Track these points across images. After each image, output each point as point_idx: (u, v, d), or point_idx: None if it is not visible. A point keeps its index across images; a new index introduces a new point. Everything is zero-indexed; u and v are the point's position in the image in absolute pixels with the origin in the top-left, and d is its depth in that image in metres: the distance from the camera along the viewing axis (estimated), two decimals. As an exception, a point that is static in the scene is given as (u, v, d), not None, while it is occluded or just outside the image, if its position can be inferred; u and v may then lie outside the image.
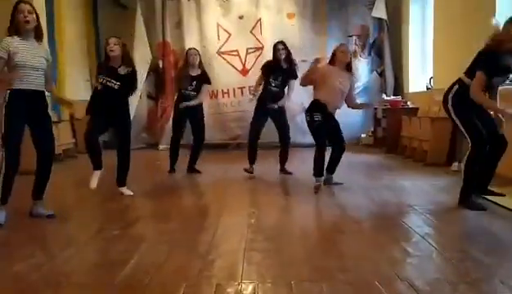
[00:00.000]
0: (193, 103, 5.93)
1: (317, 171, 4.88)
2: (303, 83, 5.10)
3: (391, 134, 7.95)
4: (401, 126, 7.68)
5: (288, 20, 9.31)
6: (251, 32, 9.17)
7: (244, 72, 9.04)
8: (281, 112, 5.81)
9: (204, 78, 6.07)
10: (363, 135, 9.06)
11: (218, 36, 9.44)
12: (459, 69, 6.49)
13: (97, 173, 4.68)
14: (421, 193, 4.91)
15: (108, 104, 4.67)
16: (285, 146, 5.89)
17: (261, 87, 5.88)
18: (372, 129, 8.98)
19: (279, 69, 5.74)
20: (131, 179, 5.02)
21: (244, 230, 3.54)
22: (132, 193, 4.76)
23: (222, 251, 3.12)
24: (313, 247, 3.15)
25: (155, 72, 9.67)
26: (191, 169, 6.11)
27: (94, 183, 4.62)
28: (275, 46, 5.77)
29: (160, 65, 9.61)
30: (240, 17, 9.31)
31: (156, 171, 7.16)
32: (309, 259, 2.91)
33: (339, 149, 5.03)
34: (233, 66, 9.28)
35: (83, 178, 5.03)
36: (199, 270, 2.70)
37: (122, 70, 4.62)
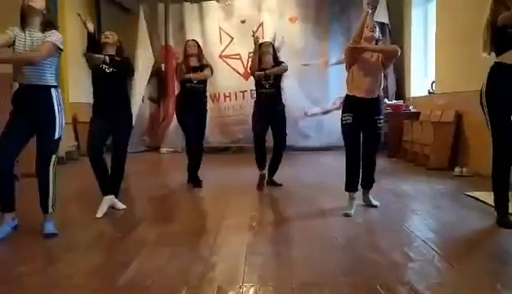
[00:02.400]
0: (199, 76, 5.44)
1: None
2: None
3: (393, 138, 7.95)
4: (403, 130, 7.68)
5: (290, 24, 9.34)
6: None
7: (246, 76, 9.04)
8: (282, 117, 5.41)
9: (205, 67, 5.58)
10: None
11: (221, 40, 9.48)
12: (461, 73, 6.54)
13: (107, 199, 4.23)
14: (423, 198, 4.90)
15: (108, 96, 4.21)
16: (277, 155, 5.43)
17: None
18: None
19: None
20: (132, 182, 5.02)
21: (246, 233, 3.55)
22: (124, 207, 4.34)
23: (223, 254, 3.12)
24: (314, 250, 3.15)
25: (158, 75, 9.72)
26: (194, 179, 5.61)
27: (100, 211, 4.14)
28: (261, 47, 5.36)
29: (163, 69, 9.65)
30: (243, 21, 9.35)
31: (158, 174, 7.19)
32: (310, 262, 2.91)
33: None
34: (235, 70, 9.32)
35: (86, 181, 5.04)
36: (201, 273, 2.71)
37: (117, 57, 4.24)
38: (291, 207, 4.49)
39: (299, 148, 8.96)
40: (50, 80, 3.49)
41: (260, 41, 5.39)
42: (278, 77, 5.34)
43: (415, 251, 3.05)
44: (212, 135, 9.02)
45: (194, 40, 5.82)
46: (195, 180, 5.50)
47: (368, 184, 4.35)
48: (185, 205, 4.79)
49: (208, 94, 5.90)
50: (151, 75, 9.60)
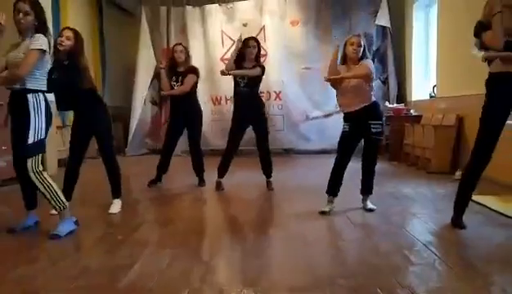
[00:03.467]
0: (174, 92, 5.50)
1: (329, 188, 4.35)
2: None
3: (394, 141, 7.96)
4: (405, 133, 7.70)
5: (291, 27, 9.37)
6: (255, 39, 9.21)
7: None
8: (262, 120, 5.36)
9: (189, 71, 5.53)
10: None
11: (223, 42, 9.51)
12: (462, 77, 6.55)
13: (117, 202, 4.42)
14: (424, 201, 4.91)
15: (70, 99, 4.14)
16: (262, 152, 5.36)
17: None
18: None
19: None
20: (133, 184, 5.04)
21: (246, 236, 3.56)
22: (116, 212, 4.34)
23: (224, 257, 3.14)
24: (315, 253, 3.16)
25: (159, 78, 9.72)
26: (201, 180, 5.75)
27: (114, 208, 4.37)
28: (246, 43, 5.21)
29: (161, 61, 9.65)
30: (244, 24, 9.37)
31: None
32: (311, 265, 2.92)
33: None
34: (236, 73, 9.34)
35: (87, 183, 5.06)
36: (202, 275, 2.72)
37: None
38: (291, 209, 4.50)
39: (300, 151, 8.98)
40: (29, 84, 3.44)
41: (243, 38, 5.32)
42: (253, 78, 5.23)
43: (415, 255, 3.06)
44: (213, 138, 9.04)
45: (179, 44, 5.76)
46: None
47: (366, 191, 4.42)
48: (186, 207, 4.80)
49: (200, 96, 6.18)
50: (153, 78, 9.62)
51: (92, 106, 4.19)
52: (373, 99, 4.29)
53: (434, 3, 7.88)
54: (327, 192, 4.31)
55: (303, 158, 8.15)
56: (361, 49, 4.19)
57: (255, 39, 5.32)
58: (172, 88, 5.53)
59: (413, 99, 8.81)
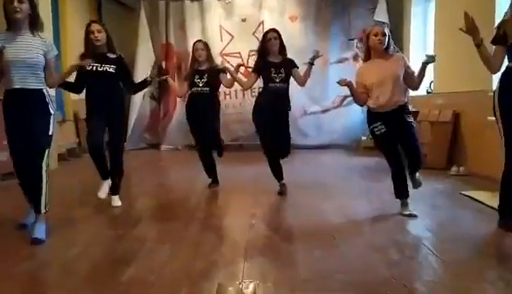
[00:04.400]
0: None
1: (398, 192, 4.12)
2: (360, 103, 4.18)
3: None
4: (402, 129, 7.73)
5: (290, 23, 9.39)
6: (254, 34, 9.24)
7: (247, 74, 9.10)
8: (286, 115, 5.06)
9: (215, 70, 5.20)
10: (363, 138, 9.12)
11: (221, 38, 9.53)
12: (459, 73, 6.60)
13: (106, 183, 4.42)
14: (420, 197, 4.95)
15: (103, 94, 4.25)
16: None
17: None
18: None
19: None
20: (132, 179, 5.07)
21: (246, 231, 3.61)
22: (119, 205, 4.44)
23: (223, 251, 3.19)
24: (313, 248, 3.21)
25: (158, 73, 9.75)
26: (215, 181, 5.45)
27: (102, 193, 4.37)
28: (265, 36, 4.90)
29: (163, 67, 9.70)
30: (243, 20, 9.39)
31: (159, 171, 7.25)
32: (308, 260, 2.97)
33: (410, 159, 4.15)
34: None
35: (87, 178, 5.10)
36: (202, 269, 2.78)
37: (111, 55, 4.28)
38: (290, 205, 4.55)
39: (298, 146, 9.01)
40: (42, 82, 3.51)
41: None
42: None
43: (410, 250, 3.13)
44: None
45: (200, 41, 5.39)
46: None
47: (415, 168, 4.20)
48: (185, 202, 4.85)
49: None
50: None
51: (121, 94, 4.46)
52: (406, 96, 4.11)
53: (432, -1, 7.92)
54: (398, 197, 4.12)
55: (300, 153, 8.18)
56: (386, 38, 3.95)
57: (275, 30, 4.95)
58: (194, 86, 5.12)
59: (410, 94, 8.84)
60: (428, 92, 7.98)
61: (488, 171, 5.60)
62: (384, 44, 3.93)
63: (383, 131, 3.99)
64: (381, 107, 3.97)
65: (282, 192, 4.93)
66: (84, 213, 4.31)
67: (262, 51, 4.88)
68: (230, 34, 9.49)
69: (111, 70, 4.22)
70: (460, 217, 4.00)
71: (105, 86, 4.24)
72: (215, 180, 5.41)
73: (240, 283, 2.57)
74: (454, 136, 6.65)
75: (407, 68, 4.04)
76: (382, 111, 3.98)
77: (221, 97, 9.24)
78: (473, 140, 6.23)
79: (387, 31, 3.98)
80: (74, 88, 4.40)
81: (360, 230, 3.68)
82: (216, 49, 9.41)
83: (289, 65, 4.93)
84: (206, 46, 5.24)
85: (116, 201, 4.47)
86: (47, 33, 6.58)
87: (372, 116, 4.07)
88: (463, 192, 4.83)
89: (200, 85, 5.12)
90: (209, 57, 5.23)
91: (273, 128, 4.84)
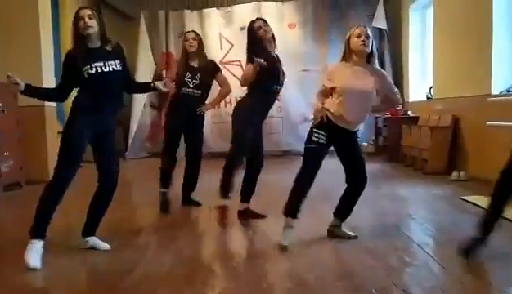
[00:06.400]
0: (207, 106, 4.72)
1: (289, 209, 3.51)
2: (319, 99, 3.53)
3: (392, 143, 8.03)
4: (402, 134, 7.76)
5: (289, 30, 9.44)
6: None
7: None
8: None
9: (211, 67, 4.68)
10: (365, 144, 9.14)
11: (221, 46, 9.58)
12: (458, 78, 6.63)
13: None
14: (420, 202, 4.98)
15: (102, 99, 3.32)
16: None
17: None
18: (373, 137, 9.08)
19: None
20: (134, 188, 5.07)
21: (246, 238, 3.63)
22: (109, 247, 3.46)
23: (224, 260, 3.20)
24: (311, 254, 3.22)
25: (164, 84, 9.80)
26: (188, 200, 4.91)
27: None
28: (258, 28, 4.29)
29: (164, 75, 9.74)
30: (242, 28, 9.42)
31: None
32: (307, 266, 2.98)
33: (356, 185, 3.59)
34: (235, 76, 9.37)
35: (89, 187, 5.10)
36: (203, 278, 2.79)
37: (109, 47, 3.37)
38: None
39: (299, 152, 9.03)
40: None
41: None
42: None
43: (410, 256, 3.13)
44: (213, 141, 9.11)
45: (193, 31, 4.88)
46: (190, 203, 4.90)
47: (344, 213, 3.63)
48: (186, 211, 4.86)
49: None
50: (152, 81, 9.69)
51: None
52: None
53: (430, 5, 7.95)
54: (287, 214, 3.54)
55: (301, 160, 8.21)
56: (370, 41, 3.41)
57: (261, 19, 4.42)
58: (183, 86, 4.55)
59: (410, 100, 8.89)
60: (427, 97, 8.01)
61: (489, 176, 5.60)
62: (368, 47, 3.38)
63: (321, 142, 3.46)
64: (341, 120, 3.39)
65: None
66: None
67: (255, 44, 4.23)
68: (229, 43, 9.54)
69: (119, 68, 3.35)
70: (460, 222, 4.00)
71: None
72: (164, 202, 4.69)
73: (240, 291, 2.58)
74: (454, 141, 6.66)
75: (389, 90, 3.53)
76: (338, 124, 3.41)
77: (221, 105, 9.37)
78: (473, 144, 6.24)
79: (371, 34, 3.46)
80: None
81: (359, 236, 3.67)
82: (216, 57, 9.44)
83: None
84: (198, 37, 4.67)
85: (102, 243, 3.46)
86: (47, 34, 6.68)
87: (328, 124, 3.43)
88: (463, 197, 4.83)
89: (191, 86, 4.53)
90: (201, 48, 4.66)
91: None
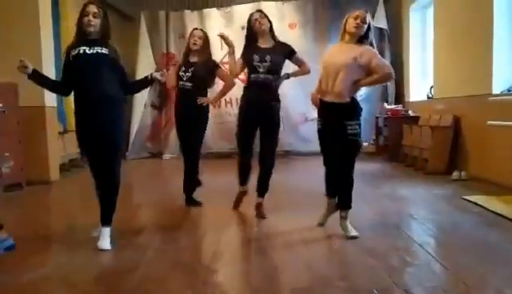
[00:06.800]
0: (205, 100, 4.65)
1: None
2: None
3: (392, 142, 8.02)
4: (403, 134, 7.76)
5: (289, 30, 9.44)
6: (254, 42, 9.28)
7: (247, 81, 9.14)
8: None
9: (210, 64, 4.69)
10: (365, 144, 9.13)
11: (221, 46, 9.55)
12: (459, 78, 6.62)
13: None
14: (421, 202, 4.97)
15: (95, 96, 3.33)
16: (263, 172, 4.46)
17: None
18: (374, 137, 9.07)
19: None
20: (135, 188, 5.07)
21: (247, 239, 3.63)
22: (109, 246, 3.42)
23: (225, 260, 3.20)
24: (313, 255, 3.22)
25: (159, 82, 9.80)
26: (189, 200, 4.90)
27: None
28: (255, 21, 4.34)
29: (165, 72, 9.74)
30: (243, 28, 9.41)
31: (161, 180, 7.26)
32: (309, 267, 2.98)
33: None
34: (236, 76, 9.42)
35: (89, 188, 5.11)
36: (204, 278, 2.79)
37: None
38: (290, 212, 4.55)
39: (300, 152, 9.04)
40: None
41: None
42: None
43: (411, 256, 3.13)
44: (213, 141, 9.12)
45: (198, 29, 4.89)
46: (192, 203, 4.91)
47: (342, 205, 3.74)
48: (188, 211, 4.86)
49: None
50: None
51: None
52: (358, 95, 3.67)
53: (431, 5, 7.95)
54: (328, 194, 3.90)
55: (302, 160, 8.21)
56: (366, 27, 3.49)
57: (259, 11, 4.48)
58: (180, 80, 4.63)
59: (411, 100, 8.88)
60: (428, 97, 8.00)
61: (490, 176, 5.61)
62: (361, 31, 3.47)
63: (319, 127, 3.70)
64: (323, 94, 3.60)
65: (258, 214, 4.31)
66: (86, 222, 4.32)
67: (251, 37, 4.34)
68: (230, 42, 9.53)
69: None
70: (461, 222, 3.99)
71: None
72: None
73: (242, 292, 2.58)
74: (455, 141, 6.66)
75: (372, 64, 3.48)
76: (325, 100, 3.59)
77: (222, 105, 9.38)
78: (474, 144, 6.24)
79: (370, 21, 3.54)
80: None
81: (360, 236, 3.67)
82: (216, 57, 9.44)
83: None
84: (205, 35, 4.71)
85: (104, 240, 3.43)
86: (47, 33, 6.69)
87: (320, 105, 3.67)
88: (464, 197, 4.82)
89: (184, 79, 4.60)
90: (206, 48, 4.69)
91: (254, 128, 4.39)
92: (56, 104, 6.86)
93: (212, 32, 9.67)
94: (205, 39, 4.70)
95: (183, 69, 4.65)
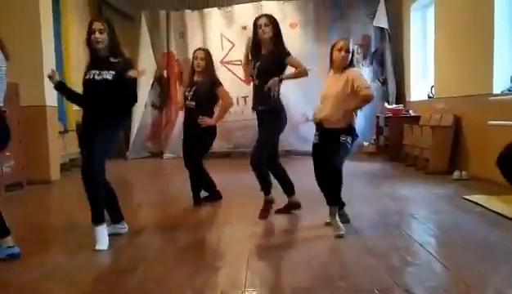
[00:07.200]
0: (206, 121, 4.74)
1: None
2: None
3: (393, 142, 8.02)
4: (403, 134, 7.75)
5: (290, 30, 9.43)
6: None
7: (248, 81, 9.15)
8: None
9: (209, 81, 4.79)
10: (365, 144, 9.13)
11: (222, 46, 9.58)
12: (460, 78, 6.62)
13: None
14: (422, 202, 4.97)
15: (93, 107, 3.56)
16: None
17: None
18: (374, 137, 9.07)
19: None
20: (135, 188, 5.08)
21: (247, 239, 3.62)
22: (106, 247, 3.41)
23: (226, 260, 3.20)
24: (314, 254, 3.22)
25: (159, 82, 9.84)
26: (197, 200, 4.95)
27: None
28: (259, 27, 4.24)
29: (164, 75, 9.77)
30: (244, 27, 9.44)
31: (161, 180, 7.26)
32: (310, 266, 2.98)
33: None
34: (236, 76, 9.39)
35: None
36: (205, 278, 2.79)
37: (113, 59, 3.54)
38: (291, 213, 4.54)
39: (299, 152, 9.03)
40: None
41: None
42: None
43: (412, 255, 3.12)
44: (215, 141, 9.11)
45: (201, 49, 5.04)
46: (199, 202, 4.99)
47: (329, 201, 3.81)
48: (188, 211, 4.86)
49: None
50: (153, 81, 9.73)
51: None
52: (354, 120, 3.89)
53: (432, 4, 7.95)
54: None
55: (302, 160, 8.19)
56: (350, 55, 3.84)
57: (265, 16, 4.35)
58: (186, 99, 4.83)
59: (411, 99, 8.88)
60: (429, 97, 8.00)
61: (491, 175, 5.59)
62: (346, 62, 3.82)
63: (315, 142, 3.98)
64: (322, 120, 3.90)
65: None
66: (86, 222, 4.31)
67: (256, 45, 4.33)
68: (231, 42, 9.55)
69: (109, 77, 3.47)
70: (462, 222, 3.99)
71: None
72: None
73: (242, 292, 2.58)
74: (455, 141, 6.66)
75: (357, 87, 3.73)
76: (323, 125, 3.89)
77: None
78: (474, 144, 6.23)
79: (351, 46, 3.86)
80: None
81: (361, 236, 3.67)
82: (217, 57, 9.45)
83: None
84: (207, 56, 4.85)
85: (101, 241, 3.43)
86: (48, 32, 6.69)
87: (319, 124, 3.96)
88: (465, 196, 4.82)
89: (189, 98, 4.80)
90: (209, 68, 4.83)
91: None
92: (56, 104, 6.86)
93: (212, 31, 9.75)
94: (208, 59, 4.84)
95: (188, 89, 4.86)
